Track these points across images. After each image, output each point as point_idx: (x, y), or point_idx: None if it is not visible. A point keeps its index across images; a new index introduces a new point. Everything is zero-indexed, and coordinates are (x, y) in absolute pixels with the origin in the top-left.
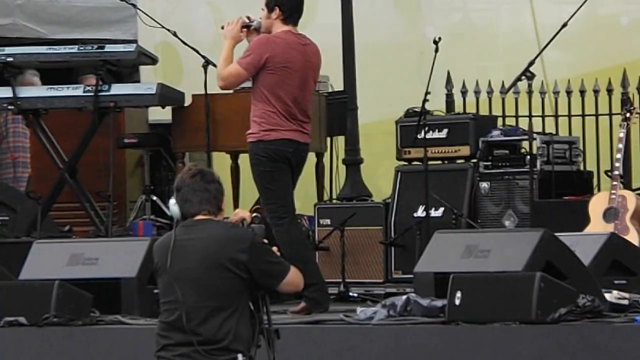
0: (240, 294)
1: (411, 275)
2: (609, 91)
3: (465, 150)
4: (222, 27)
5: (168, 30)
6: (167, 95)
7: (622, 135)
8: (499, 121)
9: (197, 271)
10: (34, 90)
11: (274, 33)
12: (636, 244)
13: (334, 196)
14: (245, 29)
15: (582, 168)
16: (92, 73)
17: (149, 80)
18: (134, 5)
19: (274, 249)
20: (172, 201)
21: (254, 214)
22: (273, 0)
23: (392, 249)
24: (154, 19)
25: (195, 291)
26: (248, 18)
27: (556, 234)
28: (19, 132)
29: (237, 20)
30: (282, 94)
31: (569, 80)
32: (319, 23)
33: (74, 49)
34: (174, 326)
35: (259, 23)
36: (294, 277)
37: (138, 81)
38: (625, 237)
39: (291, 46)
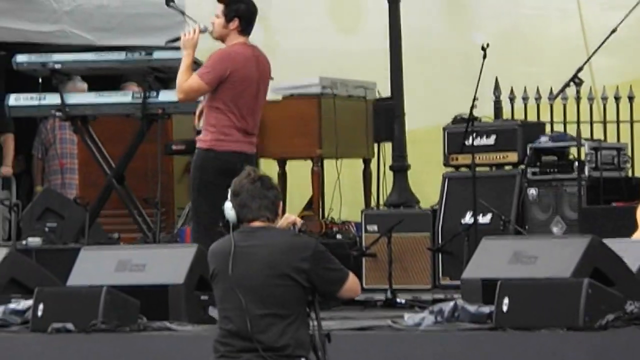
0: (301, 301)
1: (459, 282)
2: None
3: (513, 157)
4: (180, 38)
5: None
6: None
7: None
8: (547, 127)
9: (259, 279)
10: (82, 96)
11: (231, 45)
12: None
13: (381, 202)
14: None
15: (630, 174)
16: (140, 80)
17: None
18: (182, 12)
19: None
20: (228, 205)
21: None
22: (233, 11)
23: (440, 255)
24: (200, 26)
25: (257, 298)
26: (204, 27)
27: (604, 240)
28: (66, 139)
29: (196, 30)
30: (240, 105)
31: (617, 87)
32: (366, 28)
33: (122, 55)
34: (236, 333)
35: (205, 27)
36: (352, 283)
37: None
38: None
39: (249, 60)
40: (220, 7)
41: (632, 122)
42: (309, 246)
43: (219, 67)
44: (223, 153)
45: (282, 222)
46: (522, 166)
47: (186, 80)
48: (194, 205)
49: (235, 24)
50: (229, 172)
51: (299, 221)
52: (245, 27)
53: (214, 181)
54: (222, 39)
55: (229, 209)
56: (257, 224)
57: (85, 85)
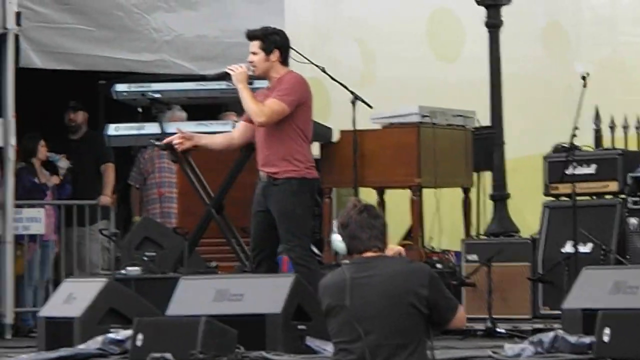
0: (420, 329)
1: (559, 312)
2: None
3: (613, 186)
4: (227, 73)
5: (317, 65)
6: (315, 131)
7: None
8: None
9: (379, 308)
10: (183, 126)
11: (287, 72)
12: None
13: (481, 232)
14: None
15: None
16: (240, 109)
17: None
18: (221, 76)
19: None
20: (337, 237)
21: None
22: (272, 43)
23: (540, 284)
24: (302, 55)
25: (377, 329)
26: (246, 67)
27: None
28: (165, 168)
29: (243, 66)
30: (309, 133)
31: None
32: (466, 57)
33: (222, 85)
34: None
35: (246, 67)
36: (462, 313)
37: None
38: None
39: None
40: (255, 44)
41: None
42: (426, 272)
43: (298, 91)
44: (313, 180)
45: (387, 252)
46: (623, 195)
47: (260, 106)
48: (296, 232)
49: (276, 55)
50: (315, 198)
51: (403, 251)
52: (285, 57)
53: (311, 206)
54: (265, 74)
55: (338, 241)
56: (368, 254)
57: (184, 115)
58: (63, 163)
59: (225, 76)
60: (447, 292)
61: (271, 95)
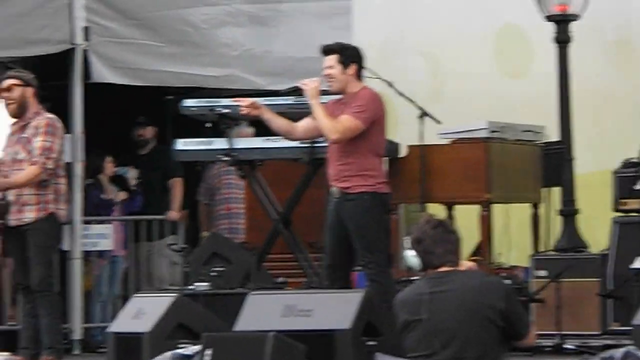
0: (497, 343)
1: (630, 328)
2: None
3: None
4: (297, 88)
5: (384, 80)
6: None
7: None
8: None
9: (457, 322)
10: (250, 141)
11: (363, 88)
12: None
13: (550, 247)
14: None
15: None
16: None
17: None
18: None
19: None
20: (411, 253)
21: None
22: (349, 57)
23: (610, 300)
24: (369, 70)
25: (454, 343)
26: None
27: None
28: (232, 184)
29: (316, 80)
30: (381, 148)
31: None
32: (535, 72)
33: (290, 100)
34: None
35: (320, 81)
36: (534, 332)
37: None
38: None
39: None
40: (332, 58)
41: None
42: (502, 285)
43: (373, 108)
44: (385, 195)
45: (460, 267)
46: None
47: (334, 123)
48: (371, 248)
49: (353, 69)
50: (388, 212)
51: (475, 266)
52: (360, 72)
53: (385, 220)
54: (342, 89)
55: (412, 257)
56: (443, 269)
57: (252, 130)
58: (132, 173)
59: (298, 90)
60: (521, 308)
61: (345, 109)
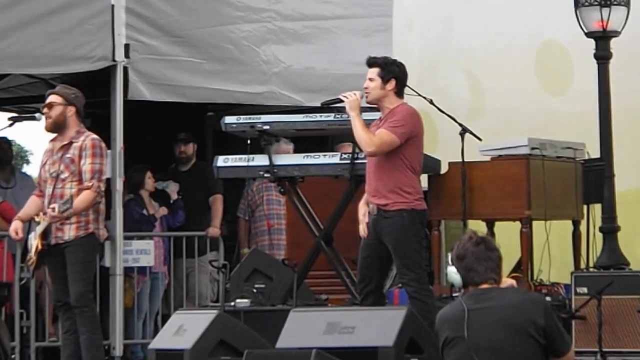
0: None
1: None
2: None
3: None
4: (337, 100)
5: (424, 97)
6: (423, 163)
7: None
8: None
9: (498, 339)
10: (291, 158)
11: (401, 104)
12: None
13: (591, 264)
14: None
15: None
16: (349, 141)
17: None
18: (337, 100)
19: None
20: (452, 269)
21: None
22: (391, 72)
23: None
24: (409, 86)
25: (496, 359)
26: (360, 93)
27: None
28: (273, 200)
29: (357, 94)
30: (418, 165)
31: None
32: (575, 90)
33: (330, 117)
34: None
35: (359, 95)
36: (573, 351)
37: None
38: None
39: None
40: (374, 71)
41: None
42: (541, 301)
43: (411, 123)
44: (422, 211)
45: (501, 285)
46: None
47: (371, 136)
48: (411, 266)
49: (392, 85)
50: (425, 230)
51: (515, 284)
52: (401, 89)
53: (423, 238)
54: (377, 102)
55: (453, 273)
56: (485, 286)
57: (291, 147)
58: (173, 187)
59: (339, 102)
60: (561, 324)
61: (382, 125)
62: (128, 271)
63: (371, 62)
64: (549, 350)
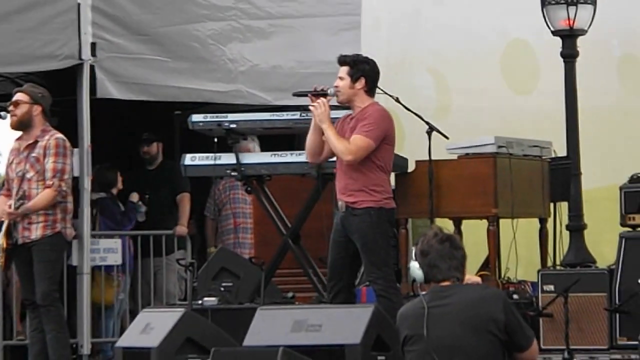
0: (498, 356)
1: (636, 342)
2: None
3: None
4: (307, 93)
5: (391, 96)
6: None
7: None
8: None
9: (457, 336)
10: (258, 156)
11: (372, 104)
12: None
13: (558, 262)
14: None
15: None
16: None
17: None
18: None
19: None
20: (415, 265)
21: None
22: (359, 71)
23: (617, 315)
24: (377, 85)
25: (456, 356)
26: (331, 91)
27: None
28: (239, 199)
29: (325, 102)
30: (389, 164)
31: None
32: (541, 89)
33: (296, 115)
34: None
35: (332, 91)
36: (536, 345)
37: None
38: None
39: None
40: (344, 69)
41: None
42: (500, 296)
43: (383, 125)
44: (391, 210)
45: (465, 282)
46: None
47: (346, 144)
48: (378, 264)
49: (362, 83)
50: (393, 228)
51: (480, 281)
52: (372, 87)
53: (391, 236)
54: (348, 101)
55: (415, 269)
56: (446, 283)
57: (257, 145)
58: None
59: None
60: (522, 320)
61: (355, 125)
62: (108, 269)
63: (341, 61)
64: (510, 345)
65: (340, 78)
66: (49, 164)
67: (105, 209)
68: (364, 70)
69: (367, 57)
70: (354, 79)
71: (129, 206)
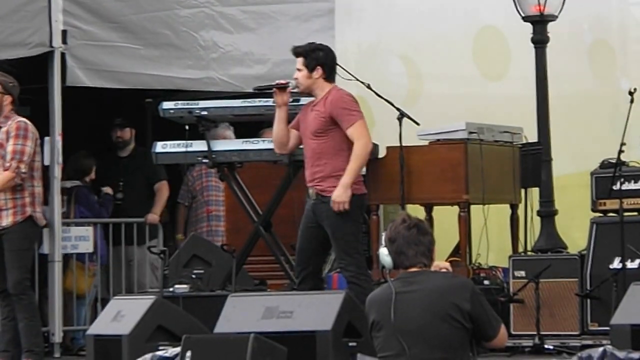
0: (464, 345)
1: (607, 328)
2: None
3: None
4: (271, 87)
5: (362, 82)
6: None
7: None
8: None
9: (422, 322)
10: (229, 143)
11: (337, 90)
12: None
13: (529, 248)
14: (281, 90)
15: None
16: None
17: None
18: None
19: None
20: (384, 251)
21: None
22: (314, 60)
23: (588, 301)
24: (348, 71)
25: (421, 343)
26: (292, 84)
27: None
28: (212, 186)
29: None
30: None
31: None
32: (512, 75)
33: (269, 102)
34: None
35: (293, 83)
36: (505, 331)
37: None
38: None
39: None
40: (300, 61)
41: None
42: (467, 286)
43: (359, 108)
44: (361, 196)
45: (433, 268)
46: None
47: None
48: (349, 250)
49: (319, 72)
50: (364, 214)
51: (449, 266)
52: (330, 73)
53: (361, 223)
54: (309, 90)
55: (384, 255)
56: (413, 269)
57: (230, 132)
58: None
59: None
60: (489, 309)
61: (316, 110)
62: (82, 257)
63: (295, 52)
64: (477, 334)
65: (298, 69)
66: (9, 146)
67: (81, 198)
68: (318, 59)
69: (320, 45)
70: (310, 68)
71: (106, 198)
